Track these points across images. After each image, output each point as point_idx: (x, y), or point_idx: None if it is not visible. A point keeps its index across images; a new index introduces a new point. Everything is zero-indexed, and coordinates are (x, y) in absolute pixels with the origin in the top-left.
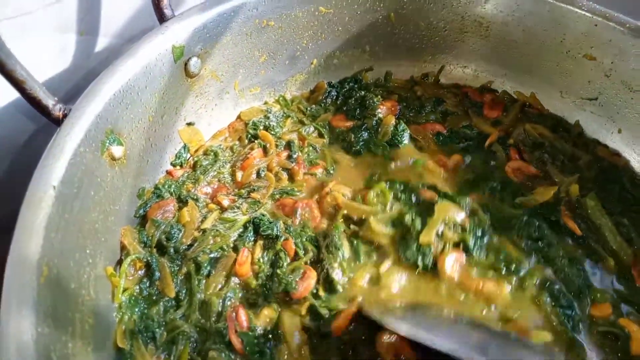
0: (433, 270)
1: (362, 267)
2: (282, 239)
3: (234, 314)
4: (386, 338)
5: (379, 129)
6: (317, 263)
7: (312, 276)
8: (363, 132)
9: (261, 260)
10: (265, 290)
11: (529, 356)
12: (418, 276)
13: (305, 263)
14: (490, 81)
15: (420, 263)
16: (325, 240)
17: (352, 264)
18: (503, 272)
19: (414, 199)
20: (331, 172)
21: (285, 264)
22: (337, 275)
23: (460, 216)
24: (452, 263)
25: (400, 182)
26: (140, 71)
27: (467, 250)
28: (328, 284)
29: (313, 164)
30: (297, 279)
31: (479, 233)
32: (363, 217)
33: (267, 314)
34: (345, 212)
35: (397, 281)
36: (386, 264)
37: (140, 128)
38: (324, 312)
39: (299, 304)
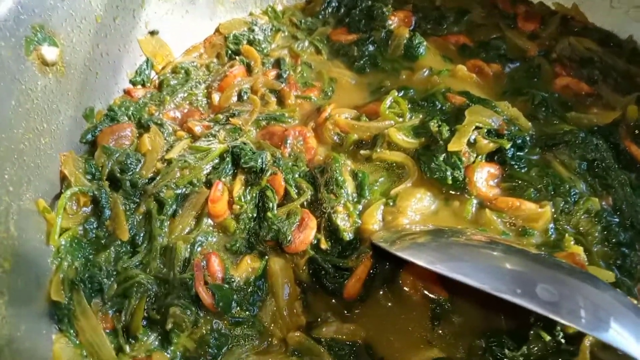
0: (462, 188)
1: (373, 201)
2: (269, 173)
3: (204, 261)
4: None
5: (389, 42)
6: (314, 206)
7: (312, 224)
8: (369, 46)
9: (242, 199)
10: (248, 235)
11: (599, 295)
12: (444, 197)
13: (302, 206)
14: None
15: (449, 176)
16: (324, 177)
17: (359, 202)
18: (547, 193)
19: (438, 105)
20: (329, 93)
21: (274, 205)
22: (342, 220)
23: (496, 121)
24: (486, 177)
25: (417, 90)
26: None
27: (504, 162)
28: (332, 232)
29: (308, 86)
30: (293, 228)
31: (520, 141)
32: (376, 136)
33: (250, 263)
34: (355, 136)
35: (418, 204)
36: (406, 183)
37: (84, 29)
38: (329, 267)
39: (294, 256)
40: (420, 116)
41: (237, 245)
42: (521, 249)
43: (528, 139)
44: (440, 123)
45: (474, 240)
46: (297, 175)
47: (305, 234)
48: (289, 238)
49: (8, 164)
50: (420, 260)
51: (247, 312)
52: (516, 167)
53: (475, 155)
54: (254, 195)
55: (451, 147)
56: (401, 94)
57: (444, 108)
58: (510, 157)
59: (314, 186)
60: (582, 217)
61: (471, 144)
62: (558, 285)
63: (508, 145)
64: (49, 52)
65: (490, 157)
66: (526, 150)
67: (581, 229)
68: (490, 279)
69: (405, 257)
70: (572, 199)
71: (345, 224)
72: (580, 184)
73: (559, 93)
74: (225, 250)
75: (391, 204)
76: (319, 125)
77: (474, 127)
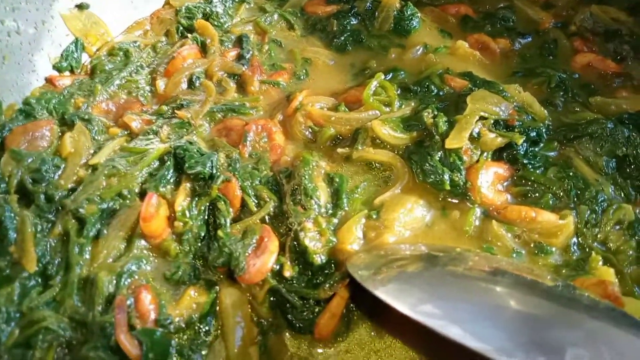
0: (463, 194)
1: (352, 213)
2: (221, 179)
3: (131, 298)
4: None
5: (376, 14)
6: (278, 220)
7: (272, 247)
8: (351, 19)
9: (188, 213)
10: (194, 260)
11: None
12: (441, 206)
13: (262, 221)
14: None
15: (447, 179)
16: (290, 183)
17: (335, 215)
18: (569, 200)
19: (434, 90)
20: (301, 77)
21: (227, 220)
22: (312, 240)
23: (505, 109)
24: (492, 179)
25: (408, 72)
26: None
27: (514, 160)
28: (299, 255)
29: (275, 69)
30: (249, 251)
31: (534, 134)
32: (358, 130)
33: (195, 296)
34: (332, 130)
35: (408, 216)
36: (393, 190)
37: None
38: (295, 300)
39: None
40: (412, 104)
41: (179, 273)
42: (533, 281)
43: (544, 130)
44: (436, 113)
45: (475, 271)
46: (257, 182)
47: (262, 260)
48: (242, 265)
49: None
50: (404, 305)
51: None
52: (530, 166)
53: (479, 152)
54: (202, 208)
55: (449, 143)
56: (389, 77)
57: (441, 94)
58: (523, 154)
59: (279, 195)
60: (612, 229)
61: (474, 139)
62: (591, 346)
63: (521, 141)
64: None
65: (497, 155)
66: (542, 145)
67: (611, 244)
68: (497, 337)
69: (386, 299)
70: (600, 207)
71: (315, 244)
72: (609, 187)
73: (579, 73)
74: (164, 281)
75: (374, 216)
76: (288, 117)
77: (477, 117)
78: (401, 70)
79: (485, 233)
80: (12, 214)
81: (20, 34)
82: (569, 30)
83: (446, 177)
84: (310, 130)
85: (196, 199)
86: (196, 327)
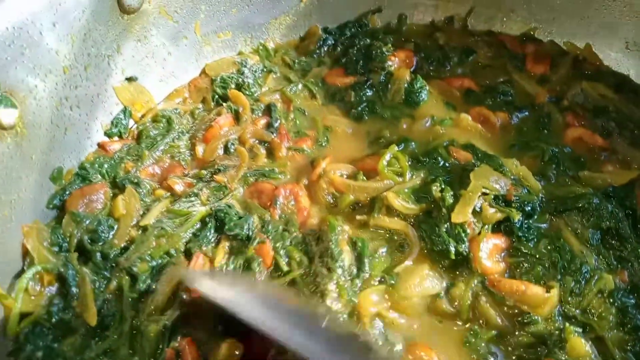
0: (465, 264)
1: (374, 276)
2: (256, 242)
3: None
4: None
5: (389, 86)
6: (309, 278)
7: None
8: (367, 90)
9: (225, 269)
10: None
11: None
12: (450, 278)
13: (292, 282)
14: (533, 28)
15: (452, 249)
16: (319, 246)
17: (356, 279)
18: (556, 272)
19: (441, 162)
20: (323, 144)
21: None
22: (332, 300)
23: (504, 185)
24: (491, 249)
25: (418, 142)
26: (42, 2)
27: (510, 232)
28: None
29: (300, 136)
30: None
31: (529, 208)
32: (374, 198)
33: (230, 350)
34: (351, 197)
35: (421, 286)
36: (407, 261)
37: (50, 83)
38: None
39: None
40: (422, 175)
41: (219, 327)
42: None
43: (537, 203)
44: (443, 187)
45: None
46: (288, 243)
47: None
48: None
49: None
50: None
51: None
52: (524, 239)
53: (480, 225)
54: (238, 265)
55: (455, 218)
56: (401, 147)
57: (447, 165)
58: (519, 227)
59: (308, 255)
60: (594, 298)
61: (476, 213)
62: None
63: (517, 217)
64: (6, 115)
65: (496, 227)
66: (535, 218)
67: (593, 312)
68: None
69: None
70: (583, 278)
71: (337, 304)
72: (592, 258)
73: (571, 147)
74: (204, 332)
75: (392, 281)
76: (312, 183)
77: (479, 193)
78: (412, 140)
79: (477, 309)
80: (74, 272)
81: (80, 107)
82: (562, 105)
83: (452, 247)
84: (332, 195)
85: (233, 256)
86: None
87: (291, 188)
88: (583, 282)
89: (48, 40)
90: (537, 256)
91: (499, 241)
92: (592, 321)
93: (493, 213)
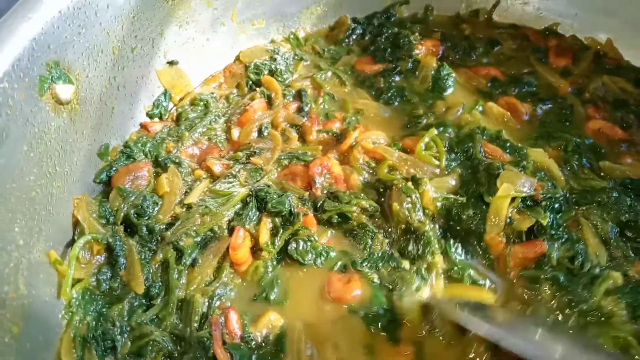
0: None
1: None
2: (301, 215)
3: (222, 318)
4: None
5: (417, 73)
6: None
7: (357, 282)
8: (395, 77)
9: (270, 245)
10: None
11: None
12: None
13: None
14: (555, 23)
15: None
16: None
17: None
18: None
19: (470, 152)
20: (352, 124)
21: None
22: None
23: (530, 186)
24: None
25: (453, 127)
26: None
27: (539, 232)
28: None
29: (329, 118)
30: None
31: (557, 205)
32: (416, 175)
33: (273, 318)
34: (390, 162)
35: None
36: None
37: (101, 63)
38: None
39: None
40: (458, 172)
41: (263, 295)
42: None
43: (563, 198)
44: (472, 213)
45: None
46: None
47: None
48: None
49: (19, 216)
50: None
51: None
52: (555, 236)
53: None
54: (285, 238)
55: (490, 240)
56: (440, 130)
57: (477, 162)
58: (549, 226)
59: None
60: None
61: (507, 225)
62: None
63: (546, 221)
64: (64, 91)
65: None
66: (561, 215)
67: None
68: None
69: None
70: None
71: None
72: (605, 255)
73: (591, 138)
74: (247, 302)
75: None
76: (344, 155)
77: (508, 205)
78: (448, 126)
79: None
80: (121, 243)
81: (125, 87)
82: (584, 97)
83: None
84: (367, 165)
85: (280, 232)
86: (270, 346)
87: (320, 162)
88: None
89: (102, 20)
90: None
91: (529, 250)
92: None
93: (521, 219)
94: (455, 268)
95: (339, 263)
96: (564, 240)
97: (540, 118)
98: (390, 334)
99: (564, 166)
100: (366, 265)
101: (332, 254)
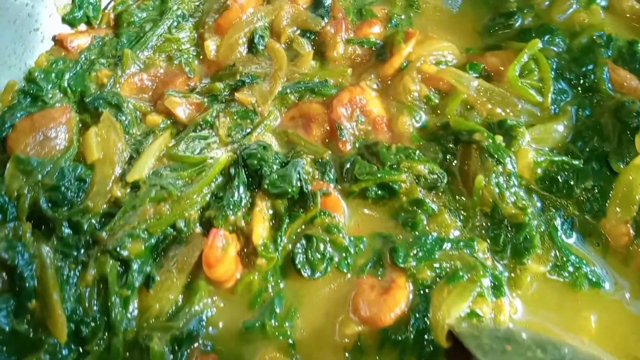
0: None
1: None
2: (319, 196)
3: None
4: None
5: None
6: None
7: (402, 291)
8: None
9: (270, 245)
10: None
11: None
12: None
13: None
14: None
15: None
16: None
17: None
18: None
19: (589, 78)
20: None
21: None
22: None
23: None
24: None
25: (563, 34)
26: None
27: None
28: None
29: (364, 17)
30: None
31: None
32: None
33: None
34: (464, 96)
35: None
36: None
37: None
38: None
39: None
40: (570, 112)
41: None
42: None
43: None
44: (590, 185)
45: None
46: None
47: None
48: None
49: None
50: None
51: None
52: None
53: None
54: (298, 238)
55: None
56: (544, 41)
57: (600, 99)
58: None
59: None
60: None
61: None
62: None
63: None
64: None
65: None
66: None
67: None
68: None
69: None
70: None
71: None
72: None
73: None
74: (237, 339)
75: None
76: (388, 83)
77: None
78: (557, 31)
79: None
80: (27, 255)
81: None
82: None
83: None
84: (426, 99)
85: (286, 221)
86: None
87: (349, 97)
88: None
89: None
90: None
91: None
92: None
93: None
94: (563, 264)
95: (372, 258)
96: None
97: None
98: None
99: None
100: (416, 258)
101: (362, 246)
